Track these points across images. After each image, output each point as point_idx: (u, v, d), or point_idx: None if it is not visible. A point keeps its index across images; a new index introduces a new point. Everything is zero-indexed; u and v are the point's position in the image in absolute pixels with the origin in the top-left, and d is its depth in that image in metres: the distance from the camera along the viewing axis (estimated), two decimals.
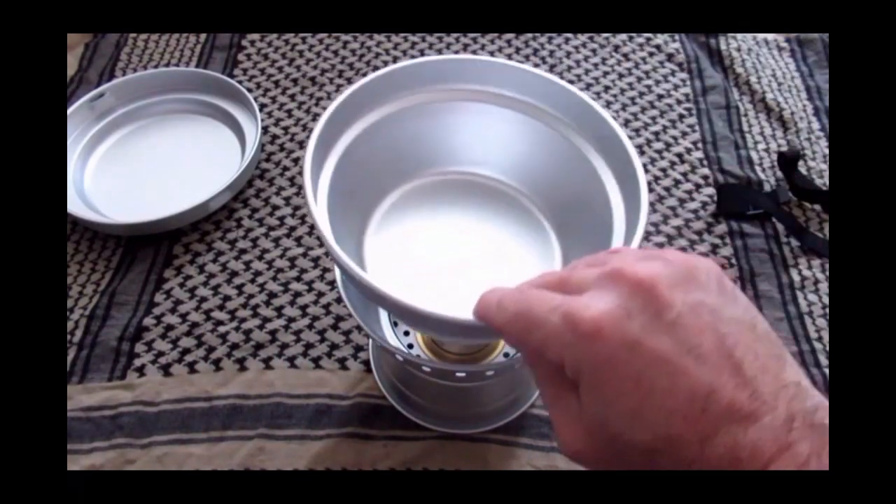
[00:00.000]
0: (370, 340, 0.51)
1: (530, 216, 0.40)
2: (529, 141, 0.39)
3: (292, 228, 0.58)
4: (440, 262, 0.38)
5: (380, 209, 0.40)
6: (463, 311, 0.27)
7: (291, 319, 0.53)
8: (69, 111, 0.62)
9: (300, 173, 0.62)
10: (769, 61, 0.71)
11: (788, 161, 0.59)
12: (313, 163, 0.34)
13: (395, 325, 0.47)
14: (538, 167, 0.40)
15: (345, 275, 0.32)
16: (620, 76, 0.70)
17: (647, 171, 0.62)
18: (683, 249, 0.56)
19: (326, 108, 0.36)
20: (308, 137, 0.64)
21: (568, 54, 0.72)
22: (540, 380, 0.24)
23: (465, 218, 0.40)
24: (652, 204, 0.59)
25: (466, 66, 0.38)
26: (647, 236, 0.57)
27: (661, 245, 0.57)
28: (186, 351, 0.51)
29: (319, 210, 0.33)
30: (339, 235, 0.33)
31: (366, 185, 0.39)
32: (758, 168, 0.62)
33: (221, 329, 0.52)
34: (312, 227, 0.58)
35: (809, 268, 0.55)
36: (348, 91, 0.36)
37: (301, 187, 0.61)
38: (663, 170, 0.62)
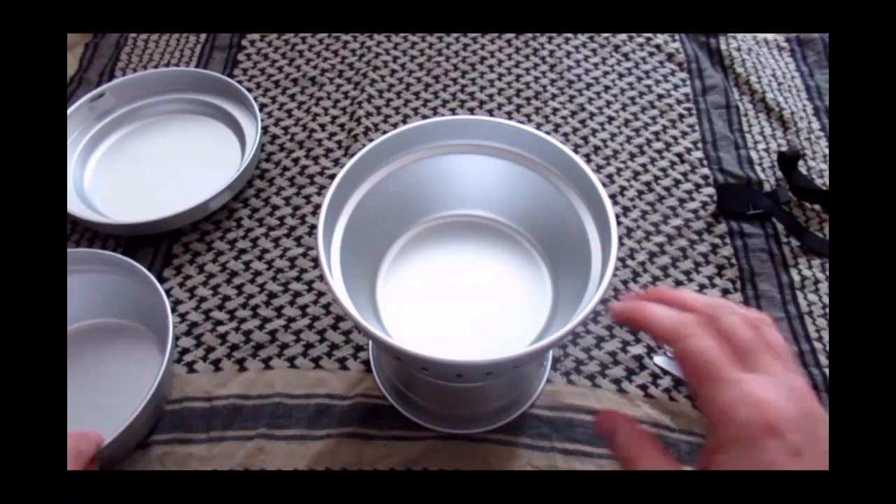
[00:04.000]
0: (370, 340, 0.51)
1: (522, 247, 0.46)
2: (518, 184, 0.45)
3: (292, 228, 0.58)
4: (448, 297, 0.44)
5: (389, 255, 0.46)
6: (481, 352, 0.33)
7: (291, 319, 0.53)
8: (69, 111, 0.62)
9: (300, 174, 0.62)
10: (769, 61, 0.71)
11: (788, 161, 0.59)
12: (325, 230, 0.39)
13: None
14: (526, 206, 0.46)
15: (375, 342, 0.38)
16: (620, 76, 0.70)
17: (646, 170, 0.62)
18: (683, 250, 0.56)
19: (334, 178, 0.40)
20: (308, 138, 0.65)
21: (568, 54, 0.72)
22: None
23: (466, 254, 0.46)
24: (652, 204, 0.59)
25: (464, 125, 0.44)
26: (647, 236, 0.57)
27: (660, 245, 0.57)
28: (186, 351, 0.51)
29: (337, 283, 0.37)
30: (353, 285, 0.39)
31: (375, 236, 0.45)
32: (758, 168, 0.62)
33: (221, 329, 0.52)
34: (313, 227, 0.58)
35: (809, 268, 0.55)
36: (356, 157, 0.41)
37: (301, 188, 0.61)
38: (663, 170, 0.62)
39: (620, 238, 0.57)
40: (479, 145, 0.45)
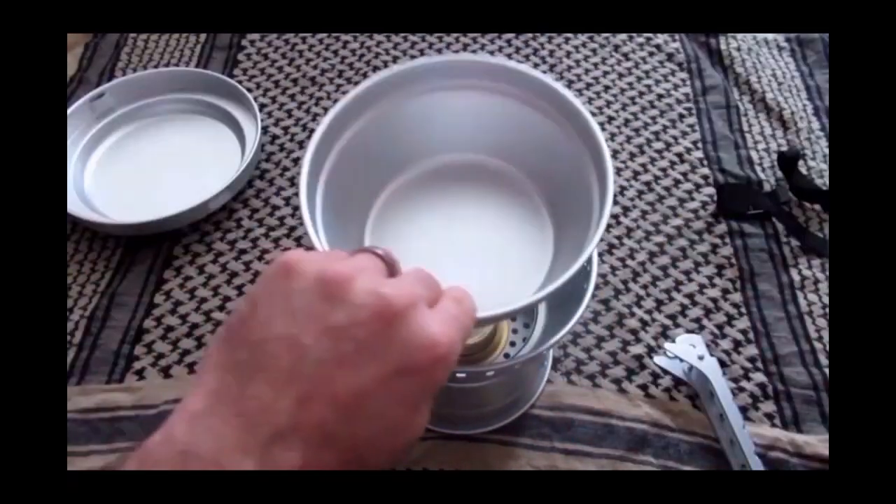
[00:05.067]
0: None
1: (522, 194, 0.41)
2: (518, 124, 0.40)
3: (292, 228, 0.58)
4: (442, 252, 0.39)
5: (377, 204, 0.41)
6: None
7: None
8: (69, 111, 0.62)
9: (300, 173, 0.62)
10: (769, 61, 0.71)
11: (788, 161, 0.59)
12: (309, 179, 0.36)
13: None
14: (529, 149, 0.41)
15: None
16: (620, 76, 0.70)
17: (646, 170, 0.62)
18: (683, 249, 0.56)
19: (320, 121, 0.37)
20: (308, 138, 0.64)
21: (568, 54, 0.72)
22: None
23: (461, 202, 0.41)
24: (652, 203, 0.59)
25: (456, 65, 0.39)
26: (647, 236, 0.57)
27: (660, 245, 0.57)
28: (186, 352, 0.51)
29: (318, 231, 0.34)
30: (337, 239, 0.35)
31: (362, 184, 0.40)
32: (758, 168, 0.62)
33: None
34: None
35: (809, 268, 0.55)
36: (343, 100, 0.37)
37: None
38: (663, 169, 0.62)
39: (620, 238, 0.57)
40: (478, 85, 0.40)
